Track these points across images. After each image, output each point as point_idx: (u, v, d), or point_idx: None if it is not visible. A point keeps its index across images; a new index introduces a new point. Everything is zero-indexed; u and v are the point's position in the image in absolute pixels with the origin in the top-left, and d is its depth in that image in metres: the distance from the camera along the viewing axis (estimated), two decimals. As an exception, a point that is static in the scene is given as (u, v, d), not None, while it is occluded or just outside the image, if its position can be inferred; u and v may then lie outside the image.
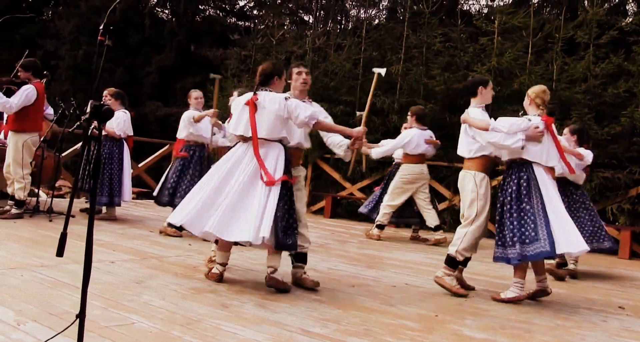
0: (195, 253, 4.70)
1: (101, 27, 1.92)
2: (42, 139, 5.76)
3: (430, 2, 8.90)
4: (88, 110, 1.78)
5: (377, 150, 6.43)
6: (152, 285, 3.43)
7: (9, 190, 5.52)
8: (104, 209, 6.22)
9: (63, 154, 7.35)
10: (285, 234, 3.45)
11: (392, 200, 6.42)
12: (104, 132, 6.07)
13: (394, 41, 8.92)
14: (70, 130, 6.05)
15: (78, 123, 6.20)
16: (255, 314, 2.99)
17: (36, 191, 6.11)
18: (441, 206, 8.17)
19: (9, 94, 5.47)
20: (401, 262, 5.19)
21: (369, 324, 2.98)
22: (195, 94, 5.92)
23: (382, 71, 3.98)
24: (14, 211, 5.49)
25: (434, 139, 6.44)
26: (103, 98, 6.34)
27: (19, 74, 5.55)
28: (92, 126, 5.71)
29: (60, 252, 1.85)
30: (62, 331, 2.04)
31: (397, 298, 3.65)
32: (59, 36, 15.22)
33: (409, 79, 8.33)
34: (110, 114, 1.92)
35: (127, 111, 6.10)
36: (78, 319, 1.75)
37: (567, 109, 6.97)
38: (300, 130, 3.80)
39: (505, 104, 7.36)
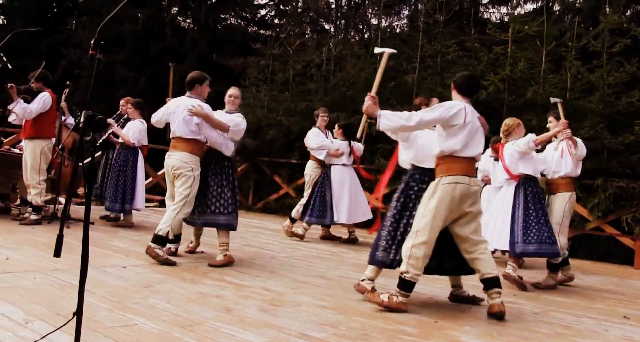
0: (207, 260, 4.80)
1: (92, 42, 2.03)
2: (60, 146, 5.97)
3: (444, 11, 8.93)
4: (81, 120, 1.87)
5: None
6: (159, 289, 3.54)
7: (29, 197, 5.73)
8: (121, 216, 6.39)
9: (82, 163, 7.57)
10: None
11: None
12: (120, 140, 6.27)
13: (409, 50, 8.96)
14: (87, 138, 6.23)
15: (96, 131, 6.40)
16: (257, 318, 3.07)
17: (56, 198, 6.30)
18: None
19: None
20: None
21: (367, 329, 3.03)
22: (231, 92, 5.68)
23: (389, 51, 3.79)
24: (32, 217, 5.68)
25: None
26: (121, 107, 6.55)
27: (32, 84, 5.78)
28: (109, 133, 5.90)
29: (57, 253, 1.96)
30: (59, 327, 2.16)
31: (401, 305, 3.69)
32: (82, 46, 15.61)
33: (424, 89, 8.36)
34: (103, 124, 2.02)
35: (144, 121, 6.27)
36: (75, 317, 1.85)
37: (581, 119, 6.93)
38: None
39: (519, 114, 7.35)
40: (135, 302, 3.15)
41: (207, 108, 4.52)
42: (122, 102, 6.51)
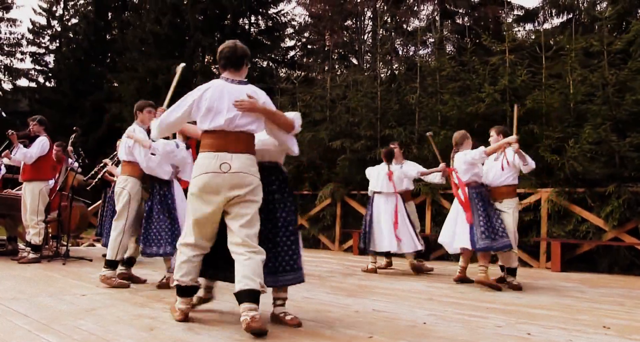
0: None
1: None
2: (61, 188, 6.26)
3: (471, 35, 8.84)
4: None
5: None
6: (100, 313, 3.52)
7: (27, 237, 6.00)
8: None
9: (91, 207, 7.92)
10: None
11: None
12: (115, 178, 6.49)
13: (407, 71, 8.89)
14: (85, 179, 6.53)
15: (93, 172, 6.70)
16: (175, 336, 2.99)
17: (59, 237, 6.56)
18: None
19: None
20: (392, 291, 4.97)
21: (285, 343, 2.88)
22: None
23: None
24: (31, 256, 5.93)
25: None
26: (117, 148, 6.81)
27: (32, 127, 6.14)
28: (104, 171, 6.08)
29: None
30: None
31: (347, 322, 3.49)
32: (121, 99, 16.60)
33: (423, 107, 8.22)
34: None
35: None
36: None
37: (585, 121, 6.54)
38: None
39: (521, 124, 7.04)
40: (63, 325, 3.15)
41: None
42: (118, 143, 6.78)
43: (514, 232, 5.02)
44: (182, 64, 4.84)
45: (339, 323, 3.43)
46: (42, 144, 6.12)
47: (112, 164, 6.51)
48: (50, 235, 6.84)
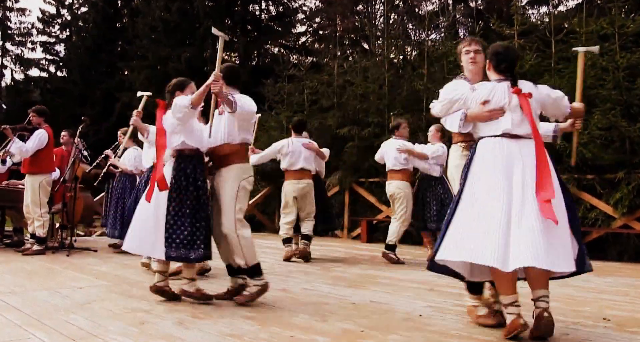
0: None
1: None
2: (62, 179, 6.27)
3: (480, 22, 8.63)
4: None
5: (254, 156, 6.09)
6: (93, 307, 3.52)
7: (30, 229, 6.04)
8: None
9: (97, 198, 7.96)
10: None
11: None
12: (119, 169, 6.50)
13: (417, 56, 8.73)
14: (87, 170, 6.54)
15: (95, 163, 6.70)
16: (164, 331, 2.97)
17: (65, 227, 6.60)
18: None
19: (20, 139, 6.05)
20: (393, 281, 4.91)
21: (274, 338, 2.84)
22: None
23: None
24: (35, 247, 5.97)
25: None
26: (119, 138, 6.81)
27: (32, 118, 6.10)
28: (109, 163, 6.05)
29: None
30: None
31: (342, 315, 3.44)
32: (132, 88, 16.62)
33: (431, 93, 8.06)
34: None
35: (138, 148, 6.47)
36: None
37: (595, 106, 6.35)
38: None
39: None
40: (53, 319, 3.15)
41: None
42: (119, 133, 6.78)
43: None
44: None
45: (334, 316, 3.39)
46: (39, 137, 6.05)
47: (115, 157, 6.51)
48: (57, 226, 6.88)
